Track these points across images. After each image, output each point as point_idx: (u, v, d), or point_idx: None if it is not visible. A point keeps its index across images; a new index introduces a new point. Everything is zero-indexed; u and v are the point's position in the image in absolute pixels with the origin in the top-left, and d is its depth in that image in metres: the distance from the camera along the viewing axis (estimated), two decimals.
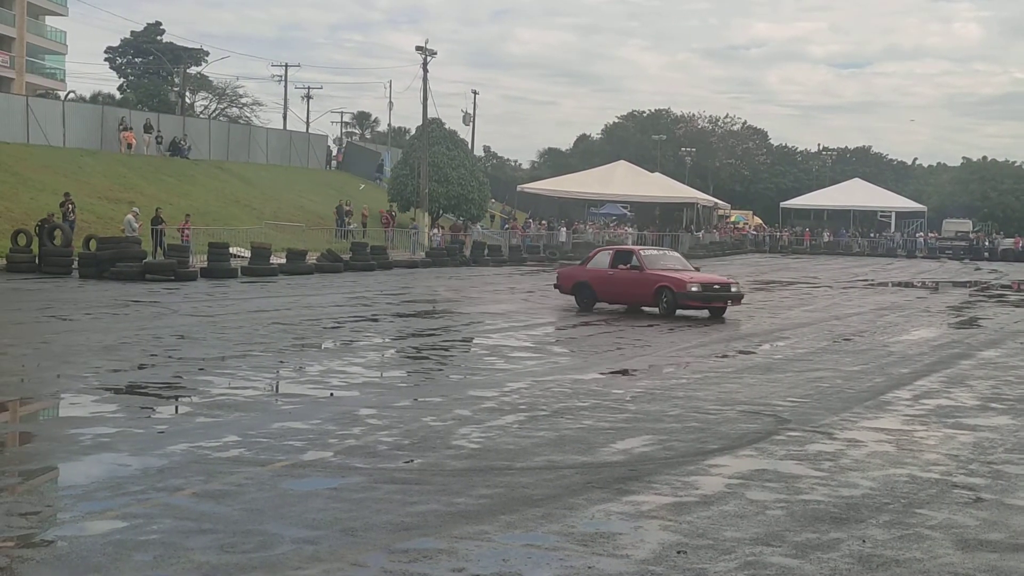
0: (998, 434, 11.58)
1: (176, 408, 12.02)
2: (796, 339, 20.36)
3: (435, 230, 50.96)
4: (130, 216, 35.52)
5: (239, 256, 35.65)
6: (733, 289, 24.30)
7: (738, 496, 8.55)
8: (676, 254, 27.37)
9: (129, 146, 52.15)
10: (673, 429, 11.26)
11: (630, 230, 66.80)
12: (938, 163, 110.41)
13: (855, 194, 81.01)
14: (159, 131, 55.66)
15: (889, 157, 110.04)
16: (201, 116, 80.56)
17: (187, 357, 15.48)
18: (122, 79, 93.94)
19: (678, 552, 6.97)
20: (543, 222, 63.58)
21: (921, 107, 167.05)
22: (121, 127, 52.70)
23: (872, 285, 39.72)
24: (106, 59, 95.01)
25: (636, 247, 28.53)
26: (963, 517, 8.14)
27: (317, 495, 8.15)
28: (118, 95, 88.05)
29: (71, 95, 71.16)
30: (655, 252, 27.42)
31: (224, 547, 6.80)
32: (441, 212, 57.33)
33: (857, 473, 9.50)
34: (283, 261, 35.82)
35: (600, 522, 7.66)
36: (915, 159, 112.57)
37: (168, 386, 13.14)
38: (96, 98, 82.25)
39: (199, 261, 33.66)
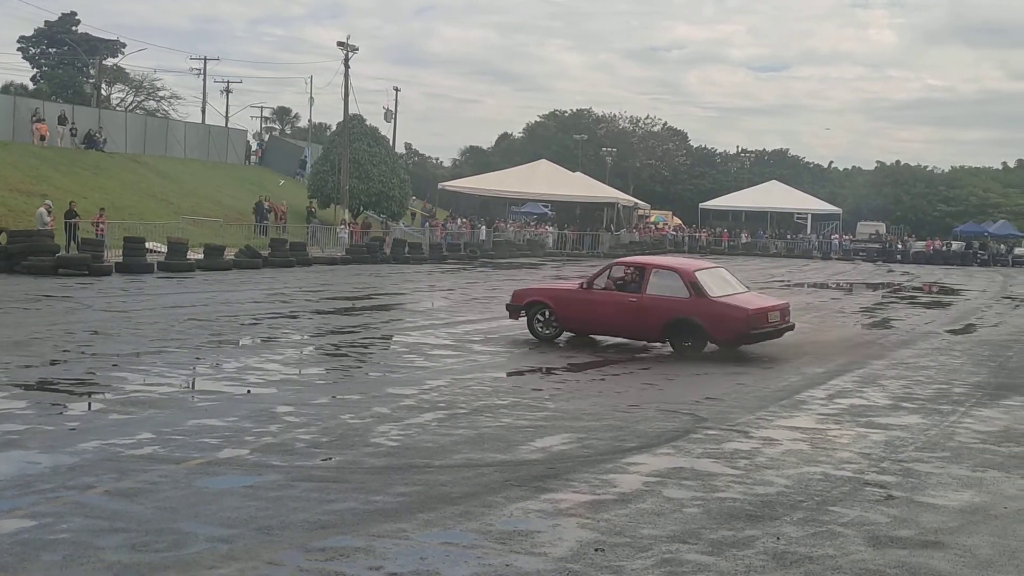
0: (909, 433, 11.80)
1: (89, 405, 11.81)
2: None
3: (342, 227, 49.65)
4: (42, 209, 34.80)
5: (155, 251, 35.13)
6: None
7: (655, 494, 8.61)
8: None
9: (42, 138, 51.09)
10: (591, 427, 11.31)
11: (551, 229, 67.00)
12: (853, 166, 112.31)
13: (772, 196, 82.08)
14: (74, 123, 54.60)
15: (806, 160, 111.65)
16: (117, 109, 79.20)
17: (101, 353, 15.21)
18: (35, 69, 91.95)
19: (596, 550, 7.00)
20: (465, 220, 63.54)
21: (837, 111, 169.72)
22: (34, 118, 51.61)
23: (788, 286, 40.26)
24: (19, 48, 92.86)
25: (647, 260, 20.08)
26: (874, 514, 8.28)
27: (232, 493, 8.05)
28: (31, 86, 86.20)
29: None
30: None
31: (136, 546, 6.68)
32: (362, 209, 57.00)
33: (772, 471, 9.62)
34: (200, 257, 35.34)
35: (518, 520, 7.67)
36: (831, 162, 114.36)
37: (80, 382, 12.89)
38: (8, 88, 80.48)
39: (114, 256, 33.08)
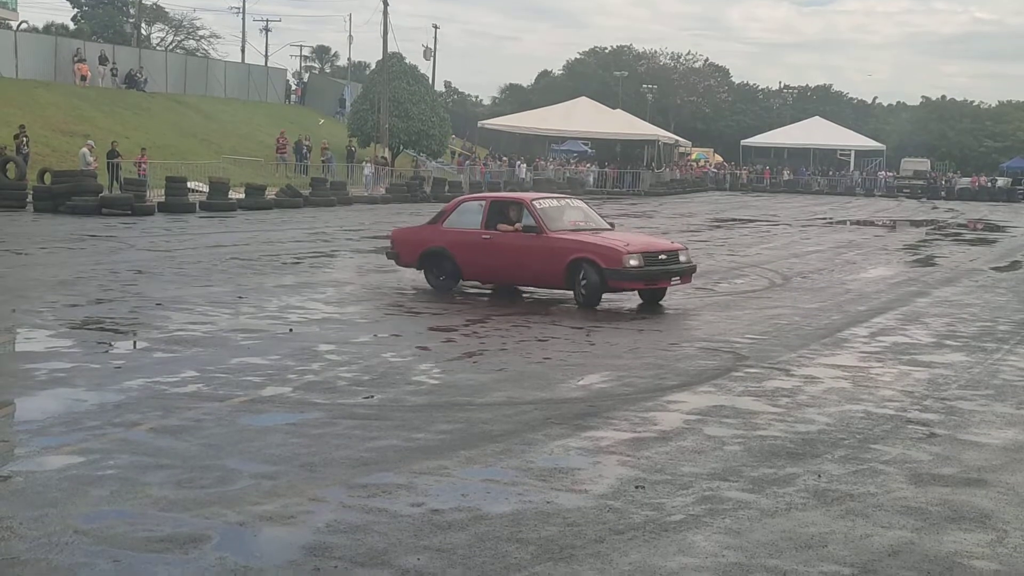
0: (952, 371, 11.71)
1: (133, 343, 11.92)
2: (755, 277, 20.46)
3: (367, 164, 49.25)
4: (85, 149, 35.02)
5: (197, 191, 35.28)
6: (683, 259, 15.99)
7: (696, 432, 8.61)
8: (580, 203, 17.94)
9: (84, 78, 51.30)
10: (632, 365, 11.31)
11: (591, 167, 66.65)
12: (897, 102, 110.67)
13: (815, 132, 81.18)
14: (114, 63, 54.75)
15: (849, 96, 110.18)
16: (157, 48, 79.29)
17: (145, 292, 15.34)
18: (76, 9, 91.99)
19: (636, 487, 7.02)
20: (503, 158, 63.30)
21: (882, 45, 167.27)
22: (76, 58, 51.80)
23: (831, 223, 39.93)
24: None
25: (526, 196, 17.63)
26: (917, 452, 8.24)
27: (276, 430, 8.13)
28: (72, 26, 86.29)
29: (23, 25, 69.68)
30: (554, 203, 16.92)
31: (181, 482, 6.77)
32: (402, 148, 56.94)
33: (814, 409, 9.59)
34: (242, 196, 35.47)
35: (559, 457, 7.69)
36: (875, 98, 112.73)
37: (125, 321, 13.02)
38: (49, 28, 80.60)
39: (156, 196, 33.28)
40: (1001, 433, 8.99)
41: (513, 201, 16.81)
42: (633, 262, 15.01)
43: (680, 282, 16.05)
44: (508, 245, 15.92)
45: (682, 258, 15.81)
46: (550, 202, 16.80)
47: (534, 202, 16.32)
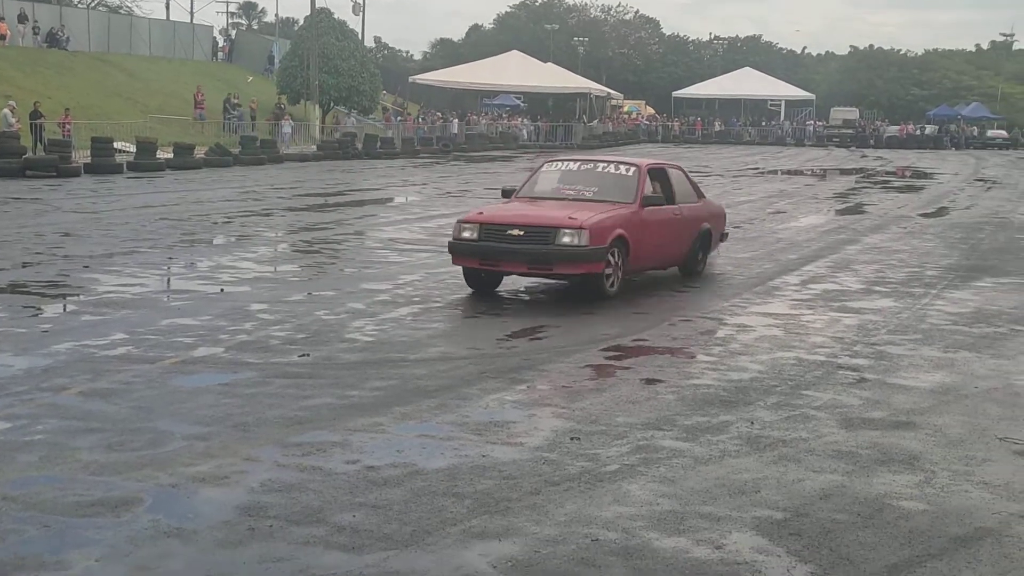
0: (881, 316, 11.88)
1: (62, 307, 11.73)
2: None
3: (284, 122, 48.62)
4: (6, 110, 34.22)
5: (124, 151, 34.68)
6: (566, 240, 11.81)
7: (630, 382, 8.66)
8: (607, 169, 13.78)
9: (3, 37, 50.06)
10: (564, 318, 11.33)
11: (524, 121, 66.49)
12: (827, 52, 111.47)
13: (746, 83, 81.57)
14: (35, 21, 53.44)
15: (779, 46, 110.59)
16: (79, 6, 77.52)
17: (72, 254, 15.08)
18: None
19: (571, 438, 7.04)
20: (438, 114, 62.90)
21: None
22: None
23: (762, 173, 40.26)
24: None
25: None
26: (847, 397, 8.36)
27: (208, 391, 8.04)
28: None
29: None
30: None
31: (112, 446, 6.68)
32: (332, 104, 56.38)
33: (746, 357, 9.68)
34: (170, 156, 34.96)
35: (494, 411, 7.70)
36: (804, 48, 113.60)
37: (52, 284, 12.79)
38: None
39: (82, 157, 32.64)
40: (929, 376, 9.14)
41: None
42: (467, 233, 12.32)
43: (556, 272, 12.06)
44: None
45: (565, 239, 11.70)
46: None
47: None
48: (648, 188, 13.30)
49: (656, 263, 13.85)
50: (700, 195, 14.80)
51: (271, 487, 6.02)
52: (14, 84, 43.10)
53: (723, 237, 15.64)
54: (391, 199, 27.04)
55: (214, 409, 7.53)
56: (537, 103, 74.96)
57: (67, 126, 35.64)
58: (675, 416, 7.67)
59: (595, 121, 68.67)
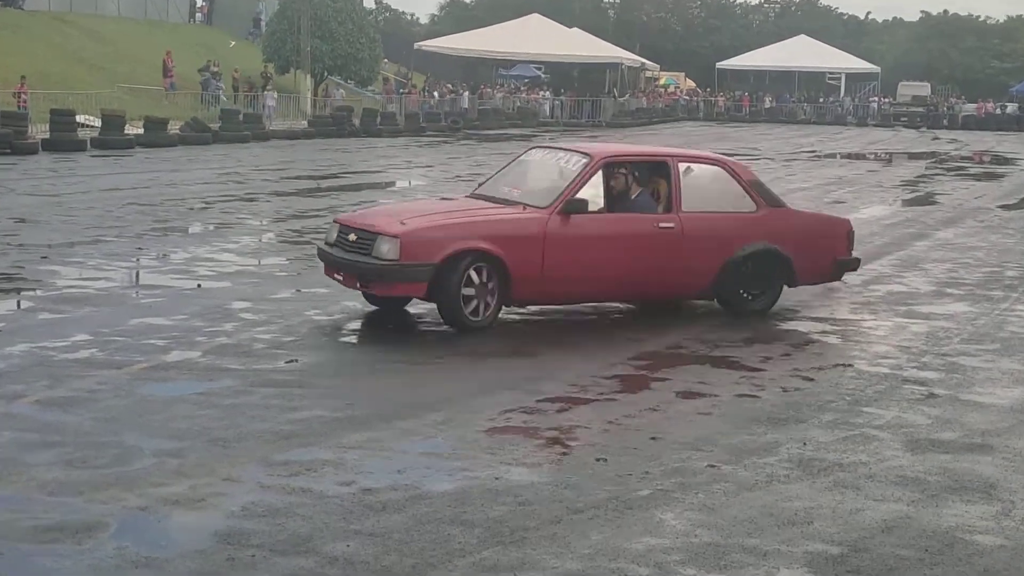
0: (954, 323, 11.86)
1: (16, 303, 11.78)
2: None
3: (268, 94, 48.32)
4: None
5: (88, 126, 34.81)
6: (384, 249, 10.53)
7: (665, 396, 8.69)
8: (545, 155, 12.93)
9: None
10: (594, 324, 11.34)
11: (545, 95, 66.46)
12: (894, 18, 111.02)
13: (800, 54, 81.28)
14: None
15: (839, 11, 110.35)
16: None
17: (28, 244, 15.15)
18: None
19: (596, 459, 7.06)
20: (447, 86, 62.94)
21: None
22: None
23: (818, 157, 40.18)
24: None
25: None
26: (914, 415, 8.35)
27: (183, 401, 8.08)
28: None
29: None
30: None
31: (73, 462, 6.71)
32: (326, 74, 56.46)
33: (798, 368, 9.67)
34: (140, 131, 35.05)
35: (508, 427, 7.72)
36: (868, 13, 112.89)
37: (5, 277, 12.85)
38: None
39: (40, 131, 32.77)
40: (1008, 392, 9.13)
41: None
42: (330, 235, 11.64)
43: (349, 283, 11.11)
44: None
45: (383, 248, 10.47)
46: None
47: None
48: (592, 188, 11.15)
49: (612, 292, 11.61)
50: (765, 202, 12.01)
51: (253, 511, 6.05)
52: None
53: (836, 268, 12.45)
54: (392, 183, 27.10)
55: (189, 422, 7.57)
56: (560, 74, 74.88)
57: (23, 96, 35.79)
58: (716, 435, 7.68)
59: (627, 96, 68.60)
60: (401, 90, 60.64)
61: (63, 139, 31.75)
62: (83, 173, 25.64)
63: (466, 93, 60.23)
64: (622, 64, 70.72)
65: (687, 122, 67.12)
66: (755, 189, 12.05)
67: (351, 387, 8.58)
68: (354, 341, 10.16)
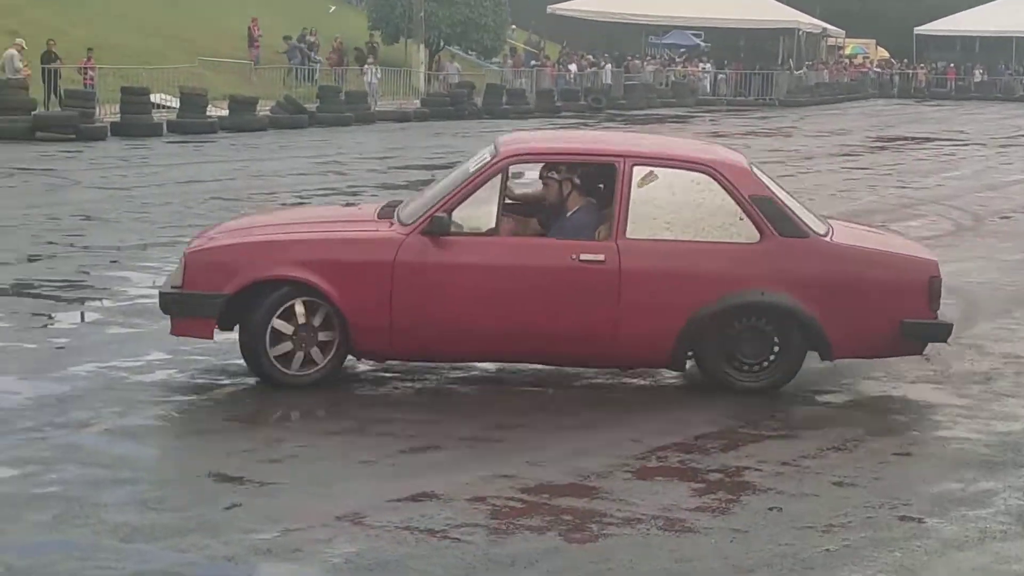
0: None
1: (81, 315, 12.02)
2: (934, 217, 20.26)
3: (368, 69, 46.90)
4: (12, 51, 35.22)
5: (164, 106, 35.41)
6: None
7: (853, 434, 8.59)
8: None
9: None
10: None
11: (706, 67, 66.11)
12: None
13: (1019, 14, 79.88)
14: None
15: None
16: None
17: (95, 245, 15.43)
18: None
19: (770, 508, 7.01)
20: (588, 57, 62.91)
21: None
22: None
23: None
24: None
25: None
26: None
27: (273, 430, 8.19)
28: None
29: None
30: None
31: (148, 502, 6.81)
32: (443, 44, 56.81)
33: (1017, 401, 9.51)
34: (224, 113, 35.55)
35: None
36: None
37: (70, 285, 13.09)
38: None
39: (109, 113, 33.43)
40: None
41: None
42: None
43: None
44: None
45: (175, 271, 10.06)
46: None
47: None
48: (487, 199, 9.44)
49: (497, 350, 9.62)
50: (775, 228, 9.42)
51: (359, 564, 6.11)
52: (22, 16, 44.25)
53: (904, 335, 9.46)
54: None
55: (282, 455, 7.66)
56: (724, 43, 74.44)
57: (89, 72, 36.49)
58: (915, 482, 7.60)
59: (804, 68, 67.99)
60: (532, 62, 60.71)
61: (135, 122, 32.28)
62: (158, 162, 26.07)
63: (609, 66, 60.10)
64: (799, 29, 70.11)
65: (878, 100, 66.43)
66: (760, 208, 9.47)
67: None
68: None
